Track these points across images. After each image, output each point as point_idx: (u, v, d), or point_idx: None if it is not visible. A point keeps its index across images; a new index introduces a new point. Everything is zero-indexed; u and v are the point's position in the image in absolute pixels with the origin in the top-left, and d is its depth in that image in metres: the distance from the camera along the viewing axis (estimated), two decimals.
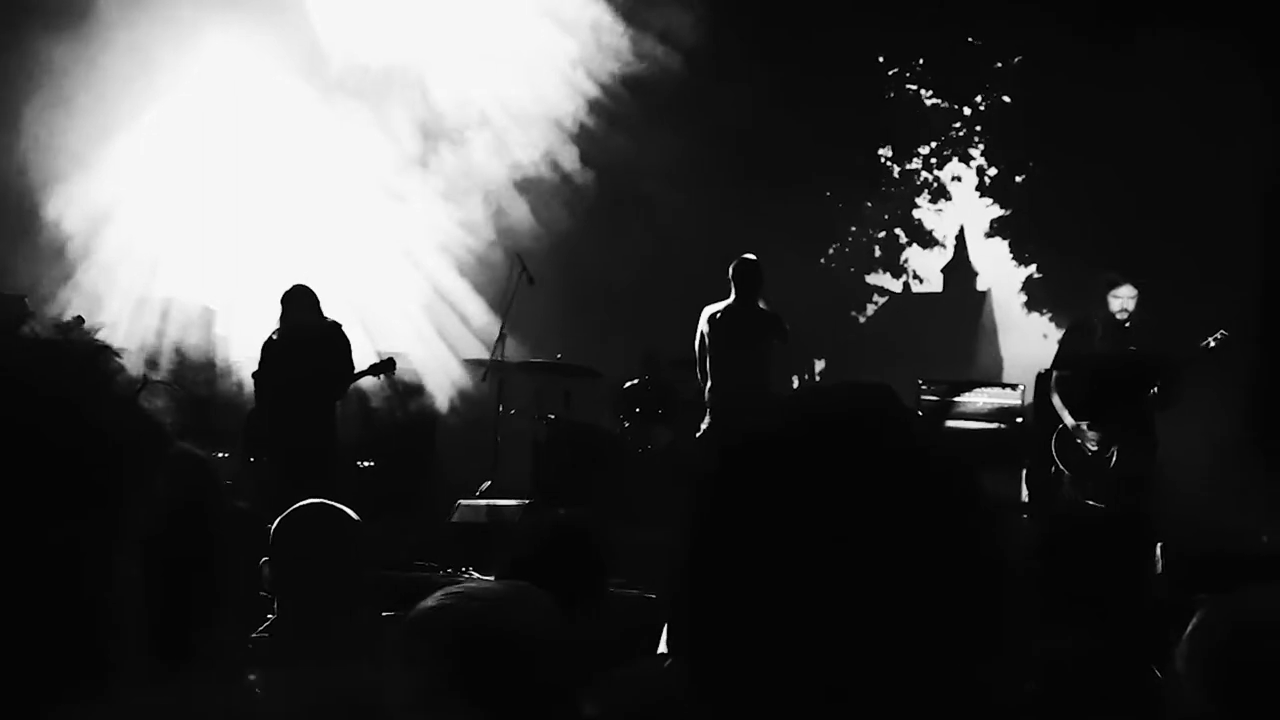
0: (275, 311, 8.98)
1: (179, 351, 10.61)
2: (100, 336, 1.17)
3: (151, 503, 1.12)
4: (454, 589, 1.81)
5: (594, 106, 14.03)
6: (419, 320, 12.92)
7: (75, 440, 1.05)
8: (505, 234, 13.41)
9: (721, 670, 0.94)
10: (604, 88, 13.95)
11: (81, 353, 1.11)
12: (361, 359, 9.10)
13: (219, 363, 10.83)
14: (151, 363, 9.99)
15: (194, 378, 10.37)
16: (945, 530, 0.93)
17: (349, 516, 2.93)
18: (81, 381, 1.09)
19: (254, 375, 9.08)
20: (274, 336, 8.91)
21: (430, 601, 1.78)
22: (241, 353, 10.88)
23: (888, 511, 0.91)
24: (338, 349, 8.85)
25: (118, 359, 1.13)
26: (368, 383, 9.76)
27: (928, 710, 0.91)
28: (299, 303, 8.81)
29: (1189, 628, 1.68)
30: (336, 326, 8.91)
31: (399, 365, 9.73)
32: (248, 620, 2.81)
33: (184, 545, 1.68)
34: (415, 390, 11.17)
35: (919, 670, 0.90)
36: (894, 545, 0.91)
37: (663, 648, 2.58)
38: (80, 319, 8.75)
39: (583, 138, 14.30)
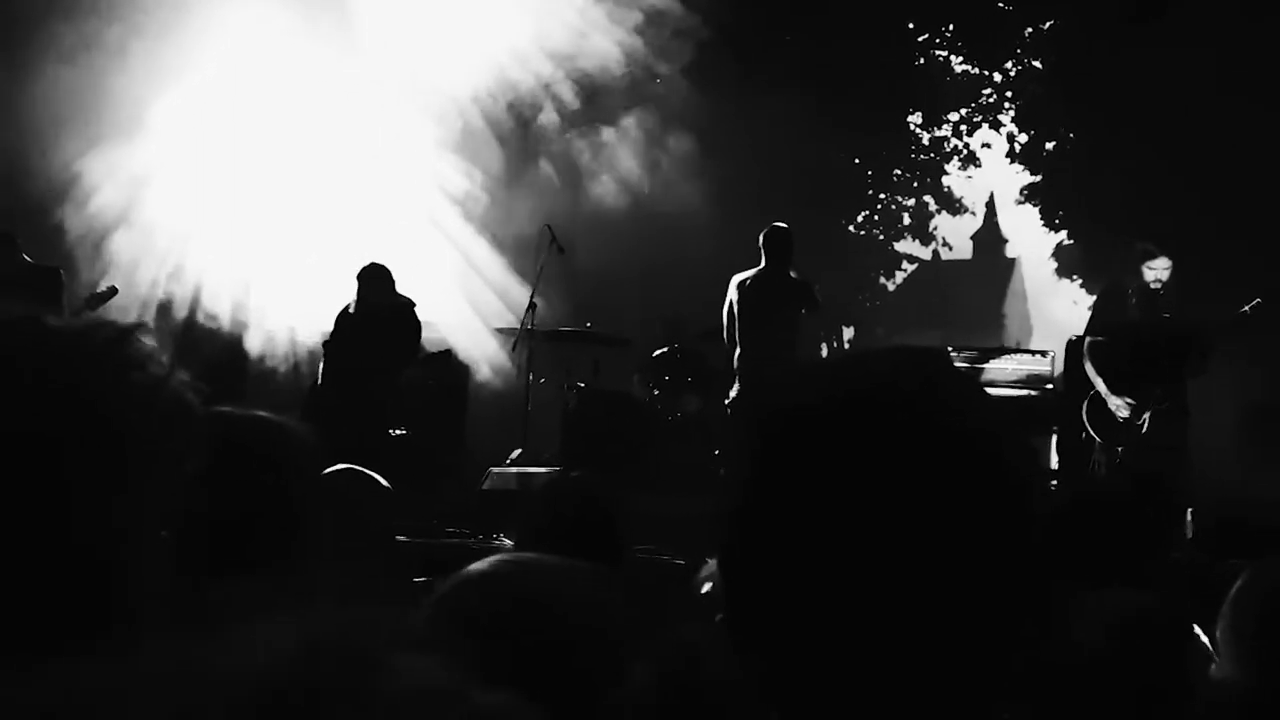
0: (308, 281, 9.01)
1: (213, 321, 10.69)
2: (128, 319, 1.16)
3: (178, 483, 1.13)
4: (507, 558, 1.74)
5: (617, 73, 13.97)
6: (450, 290, 12.95)
7: (86, 433, 1.05)
8: (535, 203, 13.41)
9: (767, 638, 0.94)
10: (625, 53, 13.89)
11: (104, 341, 1.11)
12: None
13: (253, 333, 10.92)
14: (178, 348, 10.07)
15: (226, 348, 10.45)
16: (991, 504, 0.92)
17: (379, 483, 2.96)
18: (101, 373, 1.08)
19: (324, 345, 9.18)
20: (349, 309, 8.98)
21: (480, 567, 1.71)
22: (277, 322, 10.96)
23: (933, 482, 0.90)
24: (409, 328, 8.94)
25: (143, 343, 1.13)
26: None
27: (964, 683, 0.91)
28: (376, 282, 8.89)
29: (1232, 593, 1.64)
30: (410, 305, 8.99)
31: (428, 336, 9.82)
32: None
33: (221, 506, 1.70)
34: (446, 359, 11.21)
35: (958, 643, 0.90)
36: (940, 516, 0.90)
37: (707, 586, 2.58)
38: (114, 289, 8.83)
39: (607, 103, 14.26)
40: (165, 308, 10.79)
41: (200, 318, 10.76)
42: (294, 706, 0.84)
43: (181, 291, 10.93)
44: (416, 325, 8.99)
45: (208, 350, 10.09)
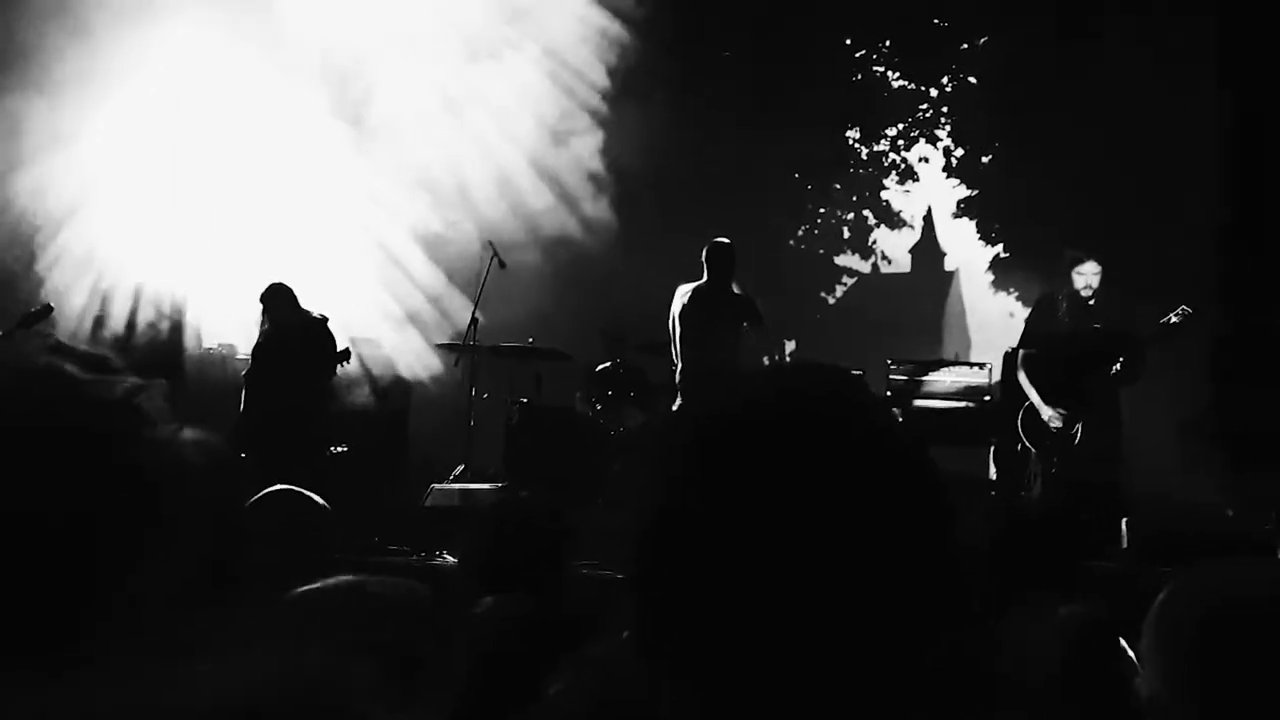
0: (245, 297, 8.92)
1: (150, 339, 10.58)
2: (133, 378, 1.21)
3: (193, 526, 1.16)
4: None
5: (556, 85, 13.98)
6: (390, 306, 12.87)
7: (104, 478, 1.10)
8: (475, 217, 13.38)
9: (681, 651, 0.94)
10: (565, 67, 13.91)
11: (123, 398, 1.15)
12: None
13: (191, 349, 10.81)
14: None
15: (164, 364, 10.32)
16: (909, 514, 0.93)
17: (316, 503, 2.94)
18: (123, 424, 1.13)
19: (245, 377, 9.08)
20: (261, 339, 8.90)
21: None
22: (213, 338, 10.85)
23: (851, 492, 0.91)
24: (324, 344, 8.88)
25: (152, 401, 1.16)
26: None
27: (889, 690, 0.92)
28: (279, 301, 8.81)
29: (1157, 604, 1.61)
30: (321, 322, 8.93)
31: (367, 351, 9.80)
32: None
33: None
34: (387, 376, 11.14)
35: (880, 651, 0.91)
36: (857, 526, 0.91)
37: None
38: (49, 307, 8.69)
39: (541, 114, 14.25)
40: (100, 323, 10.65)
41: (136, 333, 10.63)
42: None
43: (116, 308, 10.78)
44: (329, 338, 8.95)
45: (143, 364, 9.96)
